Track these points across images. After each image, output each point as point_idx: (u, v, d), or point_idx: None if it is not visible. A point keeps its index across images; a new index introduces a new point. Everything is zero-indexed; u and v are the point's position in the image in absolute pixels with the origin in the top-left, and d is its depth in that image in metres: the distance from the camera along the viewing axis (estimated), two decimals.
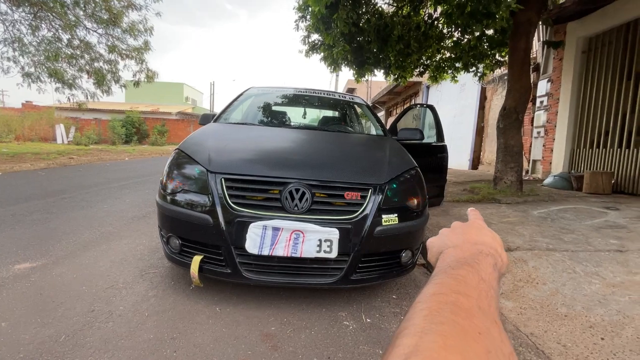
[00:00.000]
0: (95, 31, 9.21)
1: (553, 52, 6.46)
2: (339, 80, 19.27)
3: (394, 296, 1.96)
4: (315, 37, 5.35)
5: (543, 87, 6.78)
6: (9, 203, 3.68)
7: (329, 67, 5.55)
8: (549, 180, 5.55)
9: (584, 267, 2.14)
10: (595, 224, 3.09)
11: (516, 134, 4.51)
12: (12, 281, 1.85)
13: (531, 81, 4.94)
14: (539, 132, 6.92)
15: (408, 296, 1.98)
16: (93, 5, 8.70)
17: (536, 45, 7.11)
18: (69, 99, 9.72)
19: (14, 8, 8.16)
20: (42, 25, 8.60)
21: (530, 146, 7.22)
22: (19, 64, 8.68)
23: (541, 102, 6.82)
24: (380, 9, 5.14)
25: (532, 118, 7.18)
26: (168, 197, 1.76)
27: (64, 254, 2.28)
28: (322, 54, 5.38)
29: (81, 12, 8.71)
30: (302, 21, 5.06)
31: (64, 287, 1.81)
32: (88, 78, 9.56)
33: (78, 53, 9.23)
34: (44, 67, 8.64)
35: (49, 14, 8.39)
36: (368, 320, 1.68)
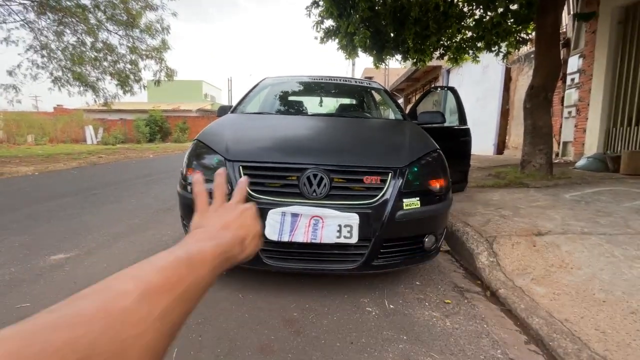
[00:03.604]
0: (117, 33, 9.49)
1: (585, 25, 6.02)
2: (355, 68, 18.97)
3: (417, 282, 1.92)
4: (329, 22, 5.25)
5: (574, 63, 6.36)
6: (45, 200, 3.89)
7: (345, 54, 5.43)
8: (581, 162, 5.24)
9: (624, 250, 2.00)
10: (635, 206, 2.88)
11: (545, 114, 4.26)
12: (48, 271, 1.96)
13: (561, 57, 4.63)
14: (570, 112, 6.52)
15: (432, 282, 1.93)
16: (112, 7, 8.95)
17: (566, 19, 6.66)
18: (95, 100, 10.14)
19: (40, 16, 8.53)
20: (67, 30, 8.95)
21: (561, 127, 6.83)
22: (47, 70, 9.11)
23: (572, 79, 6.41)
24: None
25: (562, 97, 6.77)
26: (188, 187, 1.79)
27: (95, 245, 2.39)
28: (336, 39, 5.27)
29: (102, 16, 8.98)
30: (315, 7, 4.96)
31: (96, 276, 1.89)
32: (111, 79, 9.90)
33: (101, 55, 9.56)
34: (69, 71, 9.03)
35: (72, 19, 8.71)
36: (391, 306, 1.65)
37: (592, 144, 5.77)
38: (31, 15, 8.48)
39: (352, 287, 1.82)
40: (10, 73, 8.87)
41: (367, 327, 1.47)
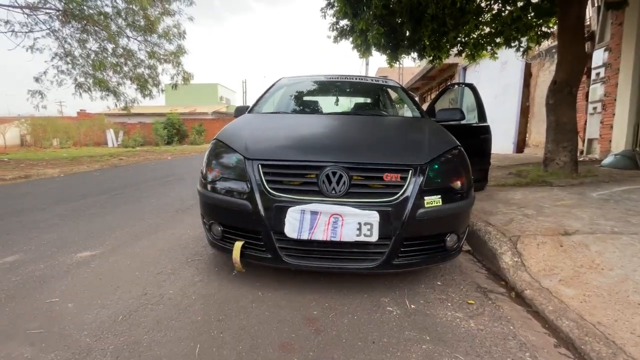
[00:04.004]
0: (135, 39, 9.78)
1: (611, 17, 5.78)
2: (369, 68, 18.85)
3: (438, 282, 1.88)
4: (343, 22, 5.23)
5: (599, 57, 6.11)
6: (70, 200, 4.04)
7: (359, 53, 5.40)
8: (608, 159, 5.02)
9: None
10: None
11: (569, 110, 4.11)
12: (75, 267, 2.03)
13: (585, 51, 4.45)
14: (595, 108, 6.27)
15: (454, 282, 1.88)
16: (132, 14, 9.23)
17: (589, 12, 6.41)
18: (116, 105, 10.47)
19: (65, 25, 8.88)
20: (90, 38, 9.29)
21: (585, 124, 6.57)
22: (71, 76, 9.47)
23: (597, 74, 6.16)
24: None
25: (587, 92, 6.52)
26: (208, 186, 1.81)
27: (118, 244, 2.45)
28: (350, 38, 5.25)
29: (123, 22, 9.27)
30: (329, 8, 4.96)
31: (120, 273, 1.95)
32: (131, 84, 10.20)
33: (122, 61, 9.87)
34: (91, 77, 9.36)
35: (95, 27, 9.04)
36: (412, 306, 1.62)
37: (620, 141, 5.53)
38: (56, 24, 8.85)
39: (372, 286, 1.79)
40: (37, 79, 9.27)
41: (388, 326, 1.44)
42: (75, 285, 1.79)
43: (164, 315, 1.50)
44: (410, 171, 1.64)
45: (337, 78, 3.27)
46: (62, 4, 8.34)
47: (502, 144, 9.47)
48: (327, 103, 3.22)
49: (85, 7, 8.52)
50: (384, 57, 5.95)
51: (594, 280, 1.73)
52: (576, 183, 3.74)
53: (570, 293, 1.66)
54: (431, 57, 5.88)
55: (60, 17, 8.64)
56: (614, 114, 5.71)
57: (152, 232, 2.73)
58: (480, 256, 2.33)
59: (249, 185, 1.65)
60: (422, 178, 1.64)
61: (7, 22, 8.31)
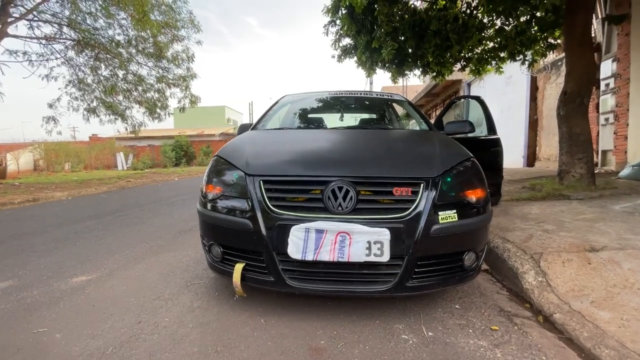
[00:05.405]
0: (146, 64, 10.07)
1: (616, 28, 5.75)
2: (372, 87, 19.04)
3: (456, 306, 1.72)
4: (347, 41, 5.28)
5: (607, 68, 6.04)
6: (73, 222, 3.99)
7: (365, 71, 5.42)
8: (626, 171, 4.83)
9: None
10: None
11: (581, 121, 3.98)
12: (69, 293, 1.92)
13: (594, 60, 4.37)
14: (607, 119, 6.13)
15: (474, 306, 1.72)
16: (143, 41, 9.55)
17: (594, 23, 6.39)
18: (126, 128, 10.67)
19: (79, 54, 9.23)
20: (102, 65, 9.60)
21: (598, 135, 6.41)
22: (85, 101, 9.74)
23: (607, 84, 6.06)
24: (412, 5, 4.96)
25: (597, 104, 6.40)
26: (208, 205, 1.72)
27: (116, 267, 2.35)
28: (354, 57, 5.28)
29: (133, 50, 9.59)
30: (332, 25, 5.02)
31: (115, 299, 1.84)
32: (140, 107, 10.42)
33: (132, 87, 10.13)
34: (101, 102, 9.61)
35: (107, 55, 9.36)
36: (430, 333, 1.46)
37: (637, 152, 5.34)
38: (71, 53, 9.19)
39: (384, 311, 1.65)
40: (50, 106, 9.54)
41: (404, 358, 1.29)
42: (67, 313, 1.68)
43: (157, 347, 1.37)
44: (422, 184, 1.53)
45: (342, 94, 3.23)
46: (77, 33, 8.68)
47: (512, 158, 9.31)
48: (331, 119, 3.16)
49: (98, 36, 8.87)
50: (388, 74, 5.96)
51: (631, 302, 1.56)
52: (596, 196, 3.57)
53: (606, 316, 1.49)
54: (435, 73, 5.87)
55: (75, 47, 8.98)
56: (627, 125, 5.55)
57: (153, 254, 2.63)
58: (500, 276, 2.16)
59: (250, 203, 1.55)
60: (434, 192, 1.52)
61: (24, 53, 8.67)
